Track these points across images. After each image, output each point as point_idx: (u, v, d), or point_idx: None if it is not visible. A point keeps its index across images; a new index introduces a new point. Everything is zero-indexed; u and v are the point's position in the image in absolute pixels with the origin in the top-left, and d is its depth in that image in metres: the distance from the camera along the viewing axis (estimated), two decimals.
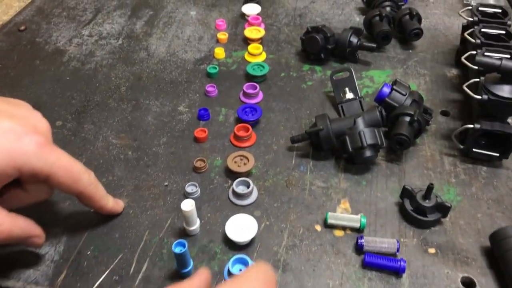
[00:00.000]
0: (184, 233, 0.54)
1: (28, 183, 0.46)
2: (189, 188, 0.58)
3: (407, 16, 0.81)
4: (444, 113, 0.70)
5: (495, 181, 0.60)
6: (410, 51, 0.82)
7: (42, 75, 0.76)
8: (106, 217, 0.55)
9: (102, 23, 0.88)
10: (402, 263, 0.49)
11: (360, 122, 0.60)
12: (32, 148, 0.43)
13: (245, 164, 0.60)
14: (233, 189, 0.57)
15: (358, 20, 0.90)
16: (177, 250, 0.47)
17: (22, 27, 0.86)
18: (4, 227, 0.43)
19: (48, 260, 0.51)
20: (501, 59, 0.57)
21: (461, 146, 0.62)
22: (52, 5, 0.93)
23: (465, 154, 0.63)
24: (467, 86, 0.61)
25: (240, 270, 0.49)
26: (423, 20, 0.85)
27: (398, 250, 0.51)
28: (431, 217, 0.54)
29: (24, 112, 0.46)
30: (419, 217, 0.54)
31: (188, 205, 0.51)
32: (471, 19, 0.72)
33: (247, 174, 0.60)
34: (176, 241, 0.48)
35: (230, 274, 0.49)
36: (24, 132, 0.43)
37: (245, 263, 0.50)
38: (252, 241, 0.53)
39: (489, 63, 0.57)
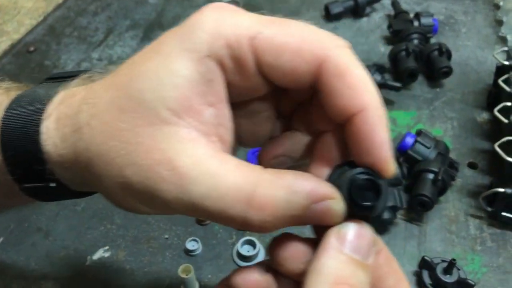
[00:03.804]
0: None
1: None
2: (189, 245, 0.54)
3: (436, 52, 0.75)
4: (472, 166, 0.64)
5: None
6: (438, 89, 0.76)
7: None
8: (102, 275, 0.52)
9: (113, 45, 0.85)
10: None
11: None
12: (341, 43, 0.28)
13: None
14: (237, 250, 0.53)
15: (383, 50, 0.84)
16: None
17: (31, 48, 0.83)
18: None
19: None
20: None
21: (489, 209, 0.57)
22: (64, 23, 0.90)
23: (493, 217, 0.57)
24: (499, 145, 0.56)
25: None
26: (453, 52, 0.79)
27: None
28: None
29: None
30: None
31: (186, 272, 0.47)
32: (506, 62, 0.66)
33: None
34: None
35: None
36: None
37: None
38: None
39: None
